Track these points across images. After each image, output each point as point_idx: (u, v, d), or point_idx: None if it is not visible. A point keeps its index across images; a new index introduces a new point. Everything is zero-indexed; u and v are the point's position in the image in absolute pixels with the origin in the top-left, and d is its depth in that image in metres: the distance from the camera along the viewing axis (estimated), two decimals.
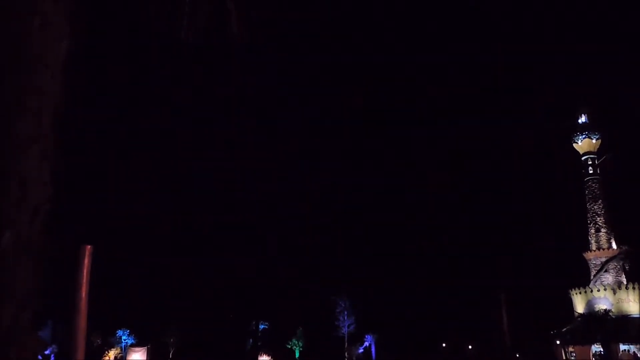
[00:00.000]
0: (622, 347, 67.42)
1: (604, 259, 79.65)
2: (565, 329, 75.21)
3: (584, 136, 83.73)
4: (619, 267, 78.68)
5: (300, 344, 78.72)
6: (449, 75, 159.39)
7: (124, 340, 75.69)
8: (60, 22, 3.35)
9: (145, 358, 71.35)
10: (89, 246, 14.74)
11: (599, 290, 75.90)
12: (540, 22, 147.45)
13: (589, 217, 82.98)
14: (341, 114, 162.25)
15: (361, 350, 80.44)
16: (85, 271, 14.60)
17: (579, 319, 72.51)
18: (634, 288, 74.24)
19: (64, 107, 3.28)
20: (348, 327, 78.31)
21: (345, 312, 78.30)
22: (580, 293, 78.03)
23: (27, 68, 3.13)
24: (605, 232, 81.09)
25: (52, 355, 72.18)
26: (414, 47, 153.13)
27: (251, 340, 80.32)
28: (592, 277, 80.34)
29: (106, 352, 75.37)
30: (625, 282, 76.43)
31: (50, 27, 3.27)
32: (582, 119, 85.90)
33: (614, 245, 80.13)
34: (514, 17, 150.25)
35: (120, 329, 75.57)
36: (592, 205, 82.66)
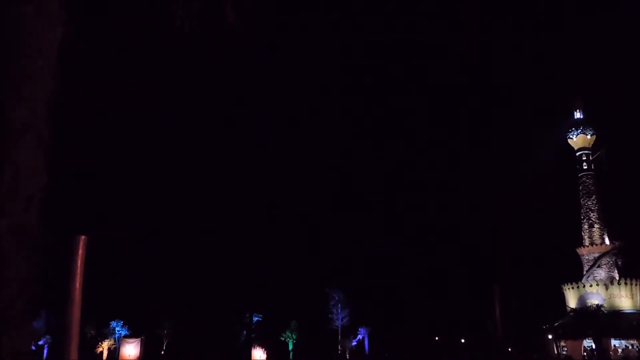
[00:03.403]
0: (614, 342, 67.82)
1: (596, 255, 79.96)
2: (557, 323, 75.60)
3: (578, 132, 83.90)
4: (611, 262, 79.10)
5: (294, 337, 78.95)
6: (439, 69, 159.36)
7: (118, 331, 75.70)
8: (55, 8, 3.31)
9: (139, 349, 71.33)
10: (83, 236, 14.66)
11: (591, 286, 76.31)
12: (534, 15, 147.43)
13: (582, 213, 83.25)
14: (339, 108, 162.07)
15: (354, 343, 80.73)
16: (79, 262, 14.52)
17: (571, 313, 72.83)
18: (626, 283, 74.74)
19: (59, 95, 3.24)
20: (342, 319, 78.60)
21: (339, 305, 78.57)
22: (572, 288, 78.40)
23: (20, 55, 3.09)
24: (599, 228, 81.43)
25: (46, 346, 72.13)
26: (400, 39, 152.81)
27: (245, 332, 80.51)
28: (584, 272, 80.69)
29: (100, 343, 75.42)
30: (617, 278, 76.90)
31: (44, 14, 3.23)
32: (577, 114, 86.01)
33: (607, 241, 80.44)
34: (505, 9, 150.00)
35: (114, 320, 75.59)
36: (585, 200, 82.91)
